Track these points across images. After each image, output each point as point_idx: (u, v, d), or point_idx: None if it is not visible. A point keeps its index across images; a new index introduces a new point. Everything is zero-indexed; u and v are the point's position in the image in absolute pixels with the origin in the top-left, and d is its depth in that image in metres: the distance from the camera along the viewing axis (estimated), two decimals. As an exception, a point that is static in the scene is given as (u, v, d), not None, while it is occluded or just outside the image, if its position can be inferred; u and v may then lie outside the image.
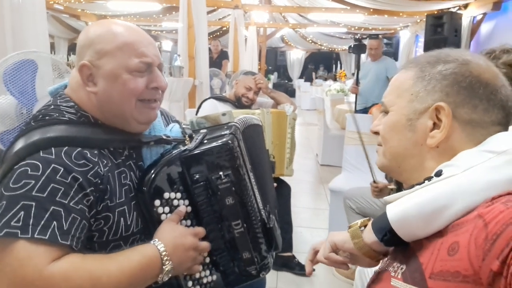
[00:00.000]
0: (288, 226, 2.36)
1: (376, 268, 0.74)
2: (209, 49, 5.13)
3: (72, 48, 10.94)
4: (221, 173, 0.88)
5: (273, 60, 15.96)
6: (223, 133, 0.92)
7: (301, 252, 2.53)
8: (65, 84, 0.92)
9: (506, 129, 0.64)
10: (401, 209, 0.62)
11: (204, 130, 0.96)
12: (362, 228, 0.72)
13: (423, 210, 0.59)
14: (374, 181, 1.87)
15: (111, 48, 0.83)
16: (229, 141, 0.89)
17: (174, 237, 0.83)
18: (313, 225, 3.12)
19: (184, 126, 0.98)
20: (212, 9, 8.06)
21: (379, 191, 1.86)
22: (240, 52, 6.54)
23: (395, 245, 0.67)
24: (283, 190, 2.37)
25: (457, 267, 0.53)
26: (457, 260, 0.53)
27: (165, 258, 0.80)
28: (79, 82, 0.85)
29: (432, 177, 0.62)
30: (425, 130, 0.65)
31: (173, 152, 0.90)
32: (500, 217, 0.51)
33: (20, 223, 0.69)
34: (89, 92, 0.84)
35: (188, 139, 0.93)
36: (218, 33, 10.91)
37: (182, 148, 0.90)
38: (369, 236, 0.69)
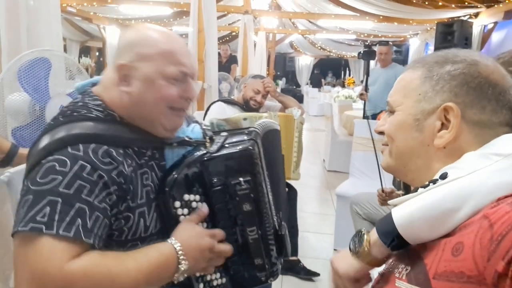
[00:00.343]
0: (294, 230, 2.35)
1: (380, 269, 0.73)
2: (219, 54, 5.17)
3: (83, 51, 11.09)
4: (241, 178, 0.88)
5: (282, 66, 16.02)
6: (244, 138, 0.93)
7: (306, 256, 2.52)
8: (91, 81, 0.93)
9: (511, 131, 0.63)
10: (407, 212, 0.61)
11: (225, 133, 0.96)
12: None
13: (430, 214, 0.59)
14: (383, 190, 1.85)
15: (152, 52, 0.84)
16: (250, 147, 0.89)
17: (191, 237, 0.83)
18: (319, 230, 3.11)
19: (204, 127, 0.99)
20: (222, 14, 8.13)
21: (385, 199, 1.84)
22: (249, 57, 6.58)
23: (401, 249, 0.67)
24: (290, 194, 2.37)
25: (461, 267, 0.53)
26: (461, 260, 0.53)
27: (181, 257, 0.80)
28: (113, 81, 0.86)
29: (437, 179, 0.61)
30: (433, 131, 0.65)
31: (195, 154, 0.90)
32: (505, 218, 0.51)
33: (46, 218, 0.69)
34: (121, 92, 0.85)
35: (208, 141, 0.94)
36: (227, 38, 10.98)
37: (204, 150, 0.90)
38: (377, 249, 0.68)
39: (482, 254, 0.50)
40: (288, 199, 2.33)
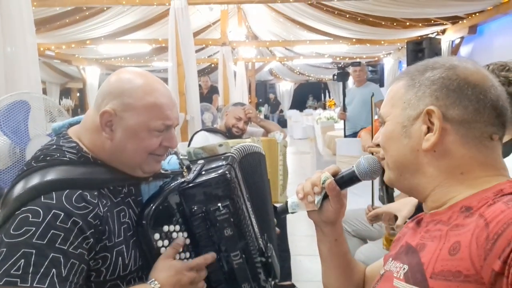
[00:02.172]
0: (286, 254, 2.34)
1: (381, 270, 0.73)
2: (200, 85, 5.25)
3: (64, 93, 11.06)
4: (219, 204, 0.89)
5: (263, 93, 16.26)
6: (220, 164, 0.94)
7: (301, 280, 2.49)
8: (68, 122, 0.94)
9: (500, 130, 0.65)
10: None
11: (202, 161, 0.98)
12: None
13: None
14: (373, 207, 1.84)
15: (139, 105, 0.85)
16: (226, 172, 0.91)
17: (171, 276, 0.83)
18: (312, 253, 3.08)
19: (181, 157, 1.00)
20: (200, 47, 8.30)
21: (375, 217, 1.83)
22: (230, 87, 6.68)
23: None
24: (278, 218, 2.36)
25: (458, 266, 0.53)
26: (458, 259, 0.54)
27: None
28: (95, 125, 0.87)
29: None
30: (420, 135, 0.66)
31: (172, 184, 0.91)
32: (501, 216, 0.52)
33: (20, 271, 0.70)
34: (103, 137, 0.86)
35: (186, 170, 0.95)
36: (207, 70, 11.16)
37: (181, 180, 0.91)
38: None
39: (479, 253, 0.51)
40: (277, 223, 2.33)
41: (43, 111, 1.51)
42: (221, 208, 0.88)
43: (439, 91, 0.65)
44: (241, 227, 0.91)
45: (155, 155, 0.90)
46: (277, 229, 1.18)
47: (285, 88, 16.04)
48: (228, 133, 2.46)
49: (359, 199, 2.70)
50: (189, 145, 2.48)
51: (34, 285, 0.70)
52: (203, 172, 0.93)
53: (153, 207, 0.87)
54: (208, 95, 6.04)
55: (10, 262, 0.70)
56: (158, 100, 0.87)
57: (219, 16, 6.70)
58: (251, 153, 1.09)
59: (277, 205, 2.30)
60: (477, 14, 5.02)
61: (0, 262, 0.71)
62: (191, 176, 0.92)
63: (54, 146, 0.86)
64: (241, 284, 0.92)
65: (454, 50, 5.86)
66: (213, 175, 0.91)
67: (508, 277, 0.48)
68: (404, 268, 0.63)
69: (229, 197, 0.90)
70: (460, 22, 5.54)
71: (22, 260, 0.71)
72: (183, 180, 0.91)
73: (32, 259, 0.71)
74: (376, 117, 4.19)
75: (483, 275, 0.51)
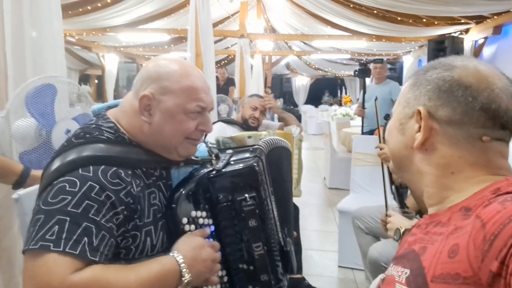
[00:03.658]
0: (298, 247, 2.35)
1: (383, 274, 0.74)
2: (216, 77, 5.26)
3: (82, 79, 11.23)
4: (246, 195, 0.90)
5: (279, 87, 16.21)
6: (249, 155, 0.96)
7: (311, 274, 2.51)
8: (107, 105, 0.98)
9: (494, 132, 0.64)
10: None
11: (230, 151, 0.99)
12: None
13: None
14: (387, 215, 1.83)
15: (176, 88, 0.89)
16: (255, 164, 0.92)
17: (192, 249, 0.85)
18: (322, 248, 3.09)
19: (210, 145, 1.02)
20: (218, 38, 8.31)
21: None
22: (247, 80, 6.68)
23: None
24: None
25: (457, 269, 0.54)
26: (457, 262, 0.54)
27: (183, 270, 0.82)
28: (134, 108, 0.90)
29: None
30: (412, 133, 0.68)
31: (201, 171, 0.93)
32: (497, 217, 0.52)
33: (54, 236, 0.73)
34: (142, 120, 0.89)
35: (214, 158, 0.97)
36: (224, 61, 11.18)
37: (210, 167, 0.93)
38: None
39: (476, 255, 0.51)
40: (290, 216, 2.34)
41: (68, 95, 1.55)
42: (248, 199, 0.90)
43: (432, 92, 0.66)
44: (264, 219, 0.93)
45: (191, 139, 0.92)
46: (294, 233, 1.19)
47: (301, 83, 15.95)
48: (245, 125, 2.48)
49: (372, 196, 2.70)
50: (205, 135, 2.50)
51: (67, 250, 0.72)
52: (232, 162, 0.94)
53: (183, 191, 0.89)
54: (224, 87, 6.05)
55: (45, 228, 0.73)
56: (194, 83, 0.90)
57: (238, 8, 6.69)
58: (279, 147, 1.09)
59: (291, 199, 2.32)
60: (503, 14, 4.89)
61: (38, 228, 0.74)
62: (220, 165, 0.94)
63: (94, 125, 0.90)
64: (260, 274, 0.93)
65: (477, 50, 5.73)
66: (241, 165, 0.93)
67: (505, 278, 0.48)
68: (406, 272, 0.64)
69: (256, 189, 0.91)
70: (484, 22, 5.40)
71: (56, 226, 0.73)
72: (212, 168, 0.93)
73: (66, 226, 0.73)
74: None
75: (481, 277, 0.51)
